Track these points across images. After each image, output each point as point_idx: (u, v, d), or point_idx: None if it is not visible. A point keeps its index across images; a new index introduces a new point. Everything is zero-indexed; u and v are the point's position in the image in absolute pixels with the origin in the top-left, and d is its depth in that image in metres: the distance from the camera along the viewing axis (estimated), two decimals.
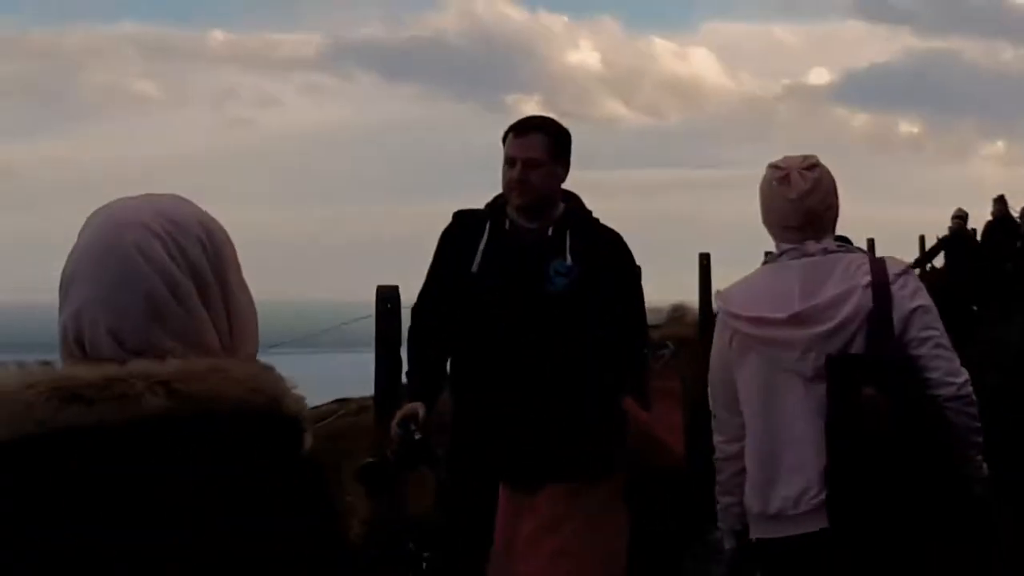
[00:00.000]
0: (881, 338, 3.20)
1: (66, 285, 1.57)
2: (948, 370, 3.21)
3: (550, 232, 4.20)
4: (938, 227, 15.77)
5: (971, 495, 3.27)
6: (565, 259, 4.15)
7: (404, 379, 4.40)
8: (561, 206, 4.27)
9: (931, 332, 3.24)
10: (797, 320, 3.27)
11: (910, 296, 3.26)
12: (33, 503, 1.47)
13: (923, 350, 3.22)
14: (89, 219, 1.61)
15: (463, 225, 4.33)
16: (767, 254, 3.56)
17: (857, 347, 3.22)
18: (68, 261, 1.58)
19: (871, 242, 14.17)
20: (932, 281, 13.44)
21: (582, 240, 4.19)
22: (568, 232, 4.19)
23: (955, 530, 3.20)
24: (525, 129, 4.23)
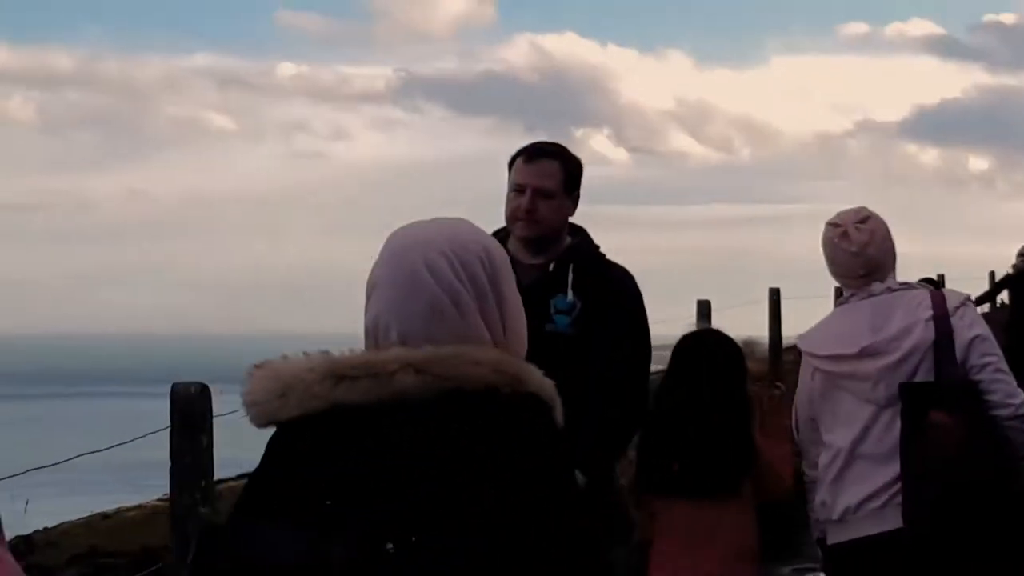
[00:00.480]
0: (945, 365, 3.55)
1: (369, 293, 1.92)
2: (1006, 392, 3.56)
3: (552, 268, 3.88)
4: (1008, 262, 15.52)
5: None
6: (566, 295, 3.85)
7: None
8: (567, 240, 3.96)
9: (990, 359, 3.58)
10: (867, 353, 3.63)
11: (969, 326, 3.61)
12: (321, 466, 1.79)
13: (983, 375, 3.56)
14: (389, 239, 1.95)
15: None
16: (837, 293, 4.06)
17: (923, 374, 3.58)
18: (371, 274, 1.93)
19: (941, 277, 14.13)
20: (998, 319, 13.29)
21: (586, 276, 3.88)
22: (571, 267, 3.88)
23: (1012, 536, 3.55)
24: (538, 155, 3.88)
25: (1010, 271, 14.27)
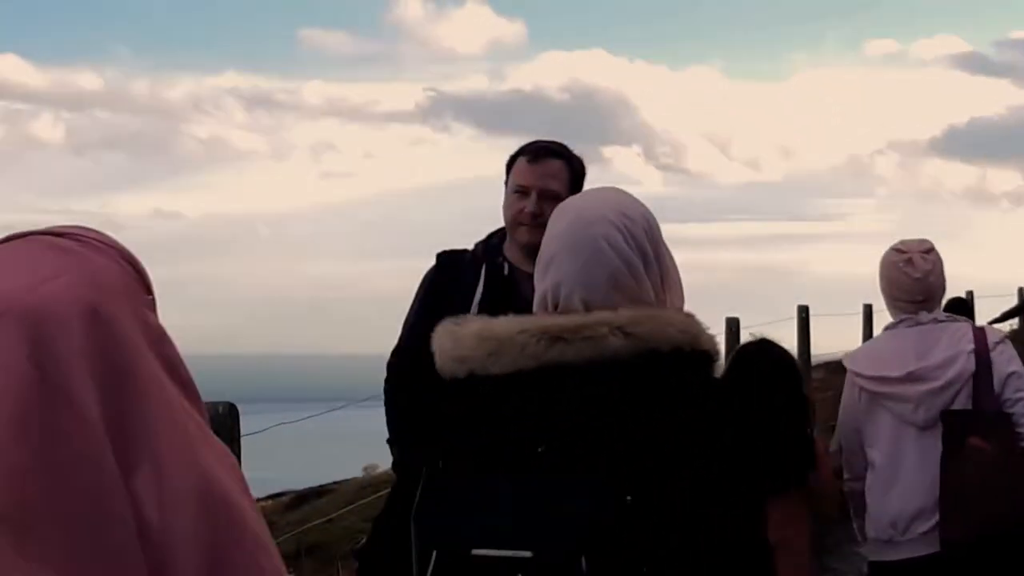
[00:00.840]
0: (983, 396, 3.85)
1: (546, 263, 2.13)
2: None
3: None
4: None
5: None
6: None
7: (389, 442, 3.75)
8: None
9: (1023, 394, 3.87)
10: (911, 378, 3.91)
11: (1007, 362, 3.93)
12: (531, 420, 1.99)
13: (1017, 408, 3.86)
14: (558, 214, 2.17)
15: (452, 270, 3.68)
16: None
17: (960, 402, 3.86)
18: (545, 246, 2.15)
19: (970, 294, 13.97)
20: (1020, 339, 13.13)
21: None
22: None
23: None
24: (542, 155, 3.64)
25: None
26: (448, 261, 3.70)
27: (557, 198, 3.40)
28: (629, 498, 1.88)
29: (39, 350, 1.12)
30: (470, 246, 3.73)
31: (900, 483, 3.91)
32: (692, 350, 2.03)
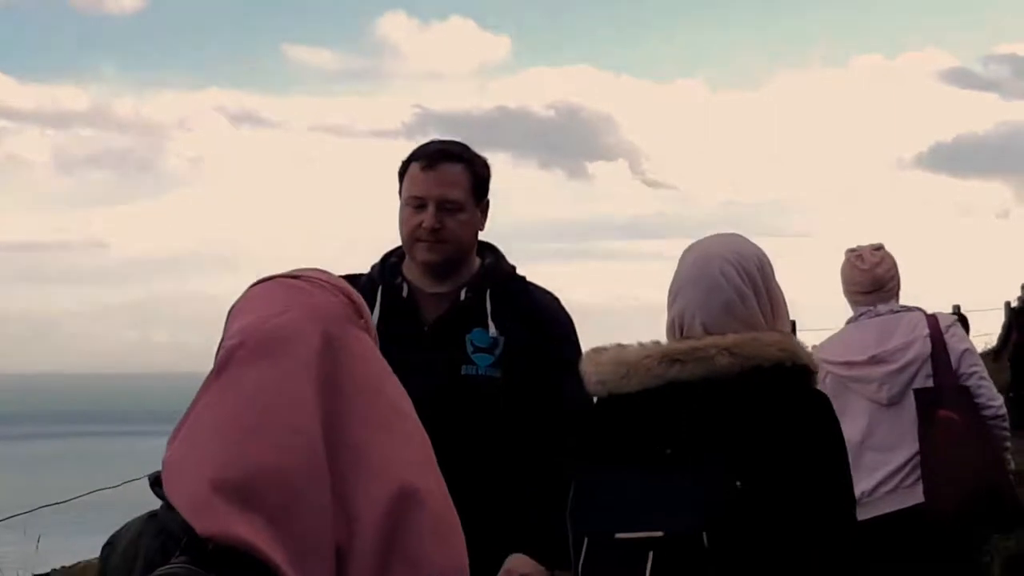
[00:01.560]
0: (942, 373, 4.36)
1: (674, 294, 2.58)
2: (989, 396, 4.41)
3: (463, 296, 3.16)
4: None
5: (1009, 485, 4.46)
6: (487, 328, 3.13)
7: None
8: (476, 262, 3.23)
9: (976, 368, 4.43)
10: (874, 361, 4.42)
11: (959, 342, 4.45)
12: (656, 425, 2.46)
13: (971, 382, 4.39)
14: (685, 253, 2.62)
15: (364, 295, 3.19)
16: (849, 319, 4.70)
17: (920, 381, 4.38)
18: (674, 281, 2.59)
19: (957, 308, 14.03)
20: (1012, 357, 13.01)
21: (507, 305, 3.17)
22: (489, 294, 3.16)
23: (1004, 505, 4.40)
24: (438, 159, 3.15)
25: (1014, 304, 13.73)
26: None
27: (459, 209, 3.12)
28: (739, 484, 2.35)
29: (272, 363, 1.59)
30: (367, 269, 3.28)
31: (867, 454, 4.34)
32: (792, 364, 2.48)
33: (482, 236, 3.25)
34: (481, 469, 2.96)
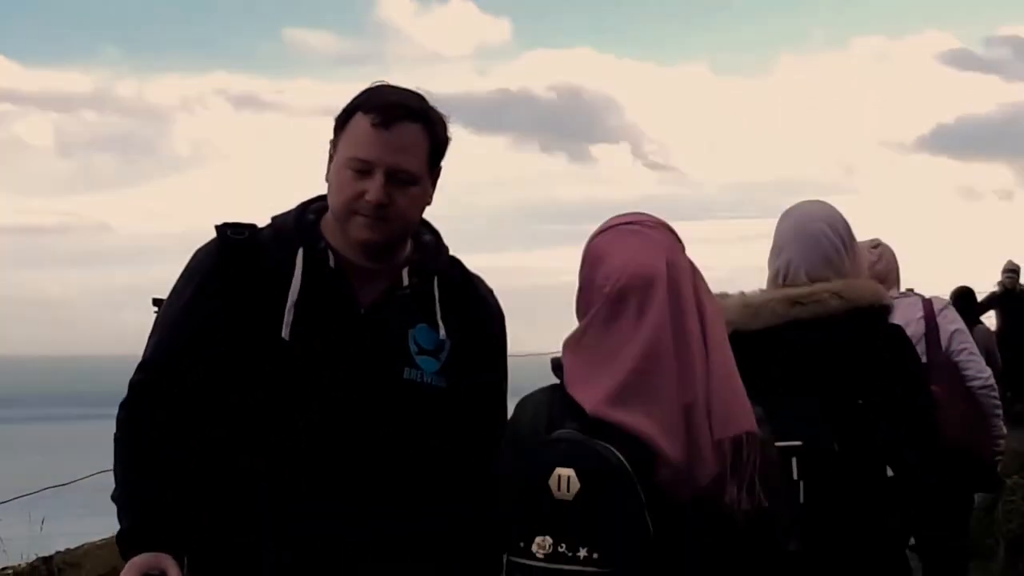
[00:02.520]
0: (934, 350, 4.88)
1: (779, 249, 3.23)
2: (977, 369, 4.97)
3: (406, 279, 2.55)
4: None
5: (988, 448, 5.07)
6: (435, 327, 2.54)
7: (120, 505, 2.51)
8: (409, 241, 2.62)
9: (965, 344, 4.99)
10: None
11: (950, 322, 5.00)
12: (780, 356, 3.05)
13: (961, 357, 4.94)
14: (784, 216, 3.28)
15: (243, 251, 2.53)
16: None
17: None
18: (777, 238, 3.24)
19: (964, 287, 13.80)
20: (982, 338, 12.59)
21: (453, 298, 2.59)
22: (437, 283, 2.58)
23: (982, 465, 5.05)
24: (397, 115, 2.48)
25: (995, 289, 13.15)
26: (238, 238, 2.55)
27: (411, 181, 2.50)
28: (860, 401, 3.02)
29: (644, 291, 2.39)
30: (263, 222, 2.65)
31: None
32: (881, 305, 3.18)
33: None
34: (419, 482, 2.51)
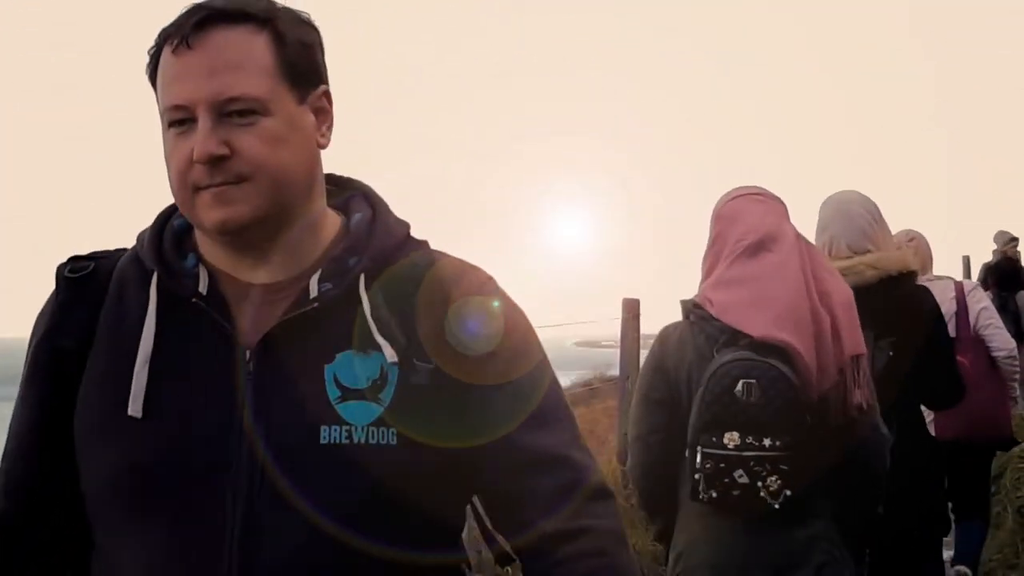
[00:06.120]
0: (963, 326, 5.62)
1: (824, 226, 3.93)
2: (1002, 341, 5.72)
3: (315, 289, 1.64)
4: None
5: (1007, 418, 5.87)
6: (365, 350, 1.62)
7: None
8: (333, 219, 1.74)
9: (990, 320, 5.73)
10: None
11: (978, 301, 5.77)
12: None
13: (987, 332, 5.70)
14: (827, 201, 3.96)
15: (98, 292, 1.72)
16: None
17: (949, 332, 5.32)
18: (821, 219, 3.97)
19: (966, 259, 13.87)
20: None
21: (404, 301, 1.66)
22: (364, 281, 1.65)
23: (1000, 434, 5.84)
24: (200, 26, 1.60)
25: (990, 261, 12.61)
26: (78, 275, 1.73)
27: (254, 111, 1.59)
28: (891, 353, 3.66)
29: (778, 247, 3.07)
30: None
31: None
32: (908, 271, 3.78)
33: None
34: None
